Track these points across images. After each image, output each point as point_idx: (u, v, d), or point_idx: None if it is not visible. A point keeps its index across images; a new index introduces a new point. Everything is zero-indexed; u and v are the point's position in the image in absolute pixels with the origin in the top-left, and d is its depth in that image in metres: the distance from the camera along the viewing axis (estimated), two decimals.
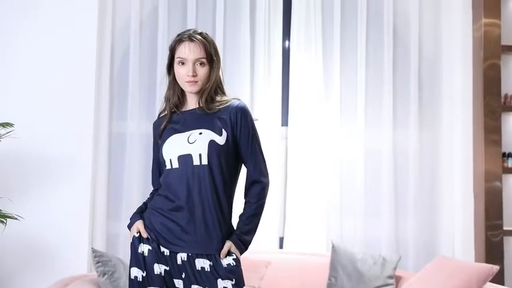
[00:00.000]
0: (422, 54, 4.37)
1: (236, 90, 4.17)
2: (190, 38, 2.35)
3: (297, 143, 4.25)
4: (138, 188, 4.16)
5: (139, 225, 2.36)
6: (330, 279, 3.86)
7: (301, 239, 4.19)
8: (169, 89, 2.45)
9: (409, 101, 4.32)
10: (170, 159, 2.33)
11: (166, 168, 2.36)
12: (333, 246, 3.94)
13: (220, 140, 2.30)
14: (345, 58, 4.33)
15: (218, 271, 2.24)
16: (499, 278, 3.89)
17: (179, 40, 2.38)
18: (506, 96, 4.32)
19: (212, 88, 2.36)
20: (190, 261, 2.27)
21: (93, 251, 3.48)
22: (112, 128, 4.23)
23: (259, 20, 4.25)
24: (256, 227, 2.36)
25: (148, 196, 2.51)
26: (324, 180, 4.22)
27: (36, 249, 4.00)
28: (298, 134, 4.25)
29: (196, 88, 2.35)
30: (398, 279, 3.87)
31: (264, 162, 2.41)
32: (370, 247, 4.18)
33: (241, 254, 2.31)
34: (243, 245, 2.32)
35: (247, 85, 4.22)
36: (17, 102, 4.05)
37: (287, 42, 4.38)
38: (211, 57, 2.35)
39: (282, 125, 4.33)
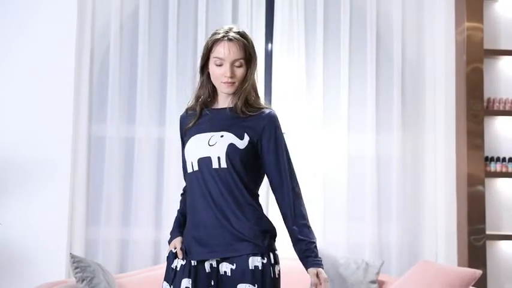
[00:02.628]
0: (405, 57, 4.37)
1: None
2: (229, 38, 2.26)
3: None
4: (118, 193, 4.11)
5: (176, 242, 2.32)
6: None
7: (284, 243, 4.14)
8: (201, 87, 2.38)
9: (391, 105, 4.31)
10: (191, 162, 2.28)
11: (188, 171, 2.31)
12: None
13: (241, 144, 2.23)
14: (327, 61, 4.31)
15: (241, 274, 2.19)
16: (481, 282, 3.88)
17: (217, 39, 2.28)
18: (489, 100, 4.32)
19: (248, 89, 2.29)
20: (218, 267, 2.22)
21: (72, 256, 3.43)
22: (91, 131, 4.16)
23: (242, 23, 4.22)
24: (315, 238, 2.37)
25: (180, 199, 2.48)
26: (306, 185, 4.19)
27: (14, 255, 3.93)
28: None
29: (232, 89, 2.28)
30: (381, 284, 3.86)
31: (293, 172, 2.32)
32: (353, 252, 4.16)
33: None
34: (319, 259, 2.32)
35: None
36: None
37: (270, 45, 4.36)
38: (249, 57, 2.28)
39: None
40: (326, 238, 4.18)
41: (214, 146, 2.23)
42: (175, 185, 4.11)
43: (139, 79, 4.17)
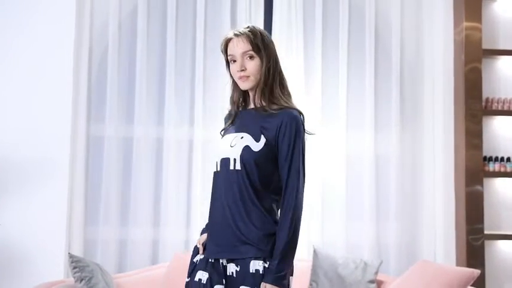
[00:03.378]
0: (404, 57, 4.37)
1: (218, 92, 4.14)
2: (235, 34, 2.30)
3: None
4: (117, 193, 4.11)
5: (201, 239, 2.38)
6: (311, 284, 3.83)
7: None
8: (232, 90, 2.42)
9: (390, 104, 4.31)
10: (216, 162, 2.31)
11: (214, 171, 2.34)
12: (314, 251, 3.91)
13: (256, 146, 2.23)
14: (326, 61, 4.31)
15: (243, 277, 2.19)
16: (480, 282, 3.88)
17: (228, 39, 2.33)
18: (487, 100, 4.32)
19: (265, 83, 2.28)
20: (226, 266, 2.25)
21: (70, 256, 3.43)
22: (90, 131, 4.16)
23: (241, 21, 4.22)
24: (289, 261, 2.20)
25: None
26: (305, 184, 4.18)
27: (13, 254, 3.92)
28: None
29: (248, 84, 2.30)
30: (379, 284, 3.86)
31: (300, 181, 2.25)
32: (351, 252, 4.16)
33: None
34: (279, 283, 2.17)
35: (229, 87, 4.17)
36: None
37: None
38: (259, 49, 2.27)
39: None
40: (324, 238, 4.18)
41: (234, 148, 2.26)
42: (174, 185, 4.12)
43: (137, 79, 4.16)
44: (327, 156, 4.25)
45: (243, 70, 2.28)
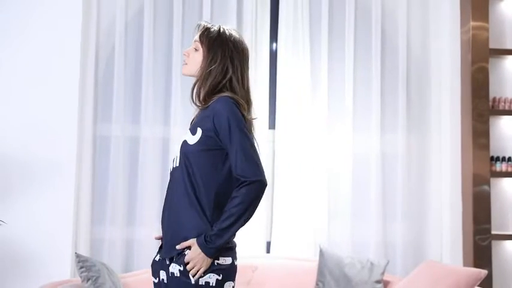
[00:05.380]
0: (411, 57, 4.36)
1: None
2: (199, 23, 2.36)
3: (284, 146, 4.21)
4: (123, 192, 4.11)
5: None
6: (317, 284, 3.83)
7: (289, 243, 4.15)
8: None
9: (397, 105, 4.30)
10: (173, 160, 2.31)
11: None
12: (321, 251, 3.91)
13: (192, 139, 2.21)
14: (332, 61, 4.30)
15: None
16: (487, 282, 3.87)
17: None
18: (494, 99, 4.31)
19: (204, 80, 2.25)
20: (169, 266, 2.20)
21: (77, 255, 3.43)
22: (96, 131, 4.16)
23: (246, 23, 4.22)
24: (223, 241, 2.10)
25: None
26: (311, 184, 4.19)
27: (19, 254, 3.93)
28: (285, 137, 4.21)
29: (184, 70, 2.34)
30: (386, 284, 3.85)
31: (249, 159, 2.13)
32: (358, 252, 4.15)
33: (201, 262, 2.09)
34: (208, 248, 2.08)
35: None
36: None
37: (274, 45, 4.35)
38: (206, 45, 2.26)
39: (269, 128, 4.29)
40: (331, 238, 4.18)
41: (179, 145, 2.27)
42: None
43: (144, 78, 4.17)
44: (334, 157, 4.24)
45: (185, 55, 2.33)
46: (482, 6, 4.27)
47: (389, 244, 4.23)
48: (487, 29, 4.26)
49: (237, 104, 2.21)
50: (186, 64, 2.32)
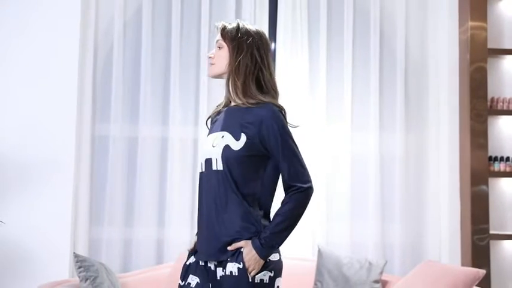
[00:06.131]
0: (409, 56, 4.36)
1: (223, 92, 4.13)
2: (216, 25, 2.37)
3: None
4: (122, 192, 4.11)
5: (195, 240, 2.37)
6: (315, 283, 3.83)
7: (287, 243, 4.13)
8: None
9: (395, 104, 4.30)
10: (201, 163, 2.31)
11: (199, 171, 2.34)
12: (319, 251, 3.91)
13: (236, 145, 2.21)
14: (331, 61, 4.30)
15: (225, 279, 2.18)
16: (485, 282, 3.87)
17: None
18: (492, 99, 4.31)
19: (236, 76, 2.27)
20: (216, 270, 2.22)
21: (75, 255, 3.43)
22: (95, 130, 4.16)
23: (245, 22, 4.21)
24: (276, 244, 2.20)
25: None
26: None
27: (17, 254, 3.93)
28: None
29: (211, 71, 2.35)
30: (384, 284, 3.85)
31: (302, 167, 2.24)
32: (356, 251, 4.15)
33: (255, 265, 2.16)
34: (262, 250, 2.15)
35: None
36: None
37: (273, 45, 4.35)
38: (230, 40, 2.28)
39: None
40: (329, 238, 4.18)
41: (215, 147, 2.25)
42: (179, 185, 4.12)
43: (142, 78, 4.17)
44: (332, 156, 4.24)
45: (210, 57, 2.33)
46: (481, 6, 4.27)
47: (387, 244, 4.22)
48: (485, 29, 4.26)
49: (282, 112, 2.27)
50: (213, 64, 2.33)
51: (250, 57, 2.28)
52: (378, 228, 4.19)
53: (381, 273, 3.82)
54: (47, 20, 4.06)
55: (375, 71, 4.28)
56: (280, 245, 2.22)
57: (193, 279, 2.25)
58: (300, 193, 2.21)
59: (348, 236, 4.18)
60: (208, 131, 2.42)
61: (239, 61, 2.27)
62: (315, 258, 3.95)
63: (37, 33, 4.06)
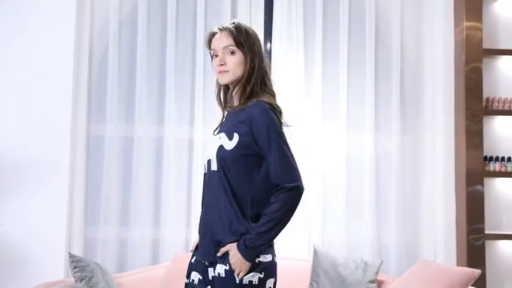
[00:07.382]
0: (404, 57, 4.37)
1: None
2: (220, 28, 2.30)
3: None
4: (117, 192, 4.11)
5: (197, 239, 2.38)
6: (311, 283, 3.83)
7: (283, 243, 4.14)
8: (217, 87, 2.40)
9: (390, 104, 4.30)
10: (204, 164, 2.31)
11: (203, 172, 2.35)
12: (315, 251, 3.91)
13: (229, 145, 2.20)
14: (326, 60, 4.30)
15: (216, 280, 2.19)
16: (480, 282, 3.87)
17: (211, 33, 2.33)
18: (488, 99, 4.32)
19: (248, 80, 2.26)
20: (208, 269, 2.24)
21: (70, 256, 3.42)
22: (90, 130, 4.16)
23: (241, 21, 4.21)
24: (261, 245, 2.16)
25: None
26: (305, 184, 4.17)
27: (12, 254, 3.92)
28: None
29: (226, 78, 2.28)
30: (380, 284, 3.85)
31: (288, 165, 2.20)
32: (352, 251, 4.15)
33: (241, 267, 2.14)
34: (247, 253, 2.13)
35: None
36: None
37: (269, 44, 4.35)
38: (242, 45, 2.26)
39: None
40: (325, 238, 4.17)
41: (214, 148, 2.25)
42: (174, 185, 4.12)
43: (138, 78, 4.16)
44: (328, 156, 4.24)
45: (222, 65, 2.27)
46: (476, 6, 4.28)
47: (383, 244, 4.23)
48: (480, 29, 4.27)
49: (274, 109, 2.24)
50: (227, 71, 2.27)
51: (259, 60, 2.29)
52: (374, 228, 4.19)
53: (377, 273, 3.82)
54: (42, 19, 4.06)
55: (370, 70, 4.28)
56: (267, 246, 2.19)
57: (196, 276, 2.27)
58: (286, 192, 2.18)
59: (344, 236, 4.18)
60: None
61: (254, 65, 2.27)
62: (311, 258, 3.95)
63: (32, 34, 4.05)
